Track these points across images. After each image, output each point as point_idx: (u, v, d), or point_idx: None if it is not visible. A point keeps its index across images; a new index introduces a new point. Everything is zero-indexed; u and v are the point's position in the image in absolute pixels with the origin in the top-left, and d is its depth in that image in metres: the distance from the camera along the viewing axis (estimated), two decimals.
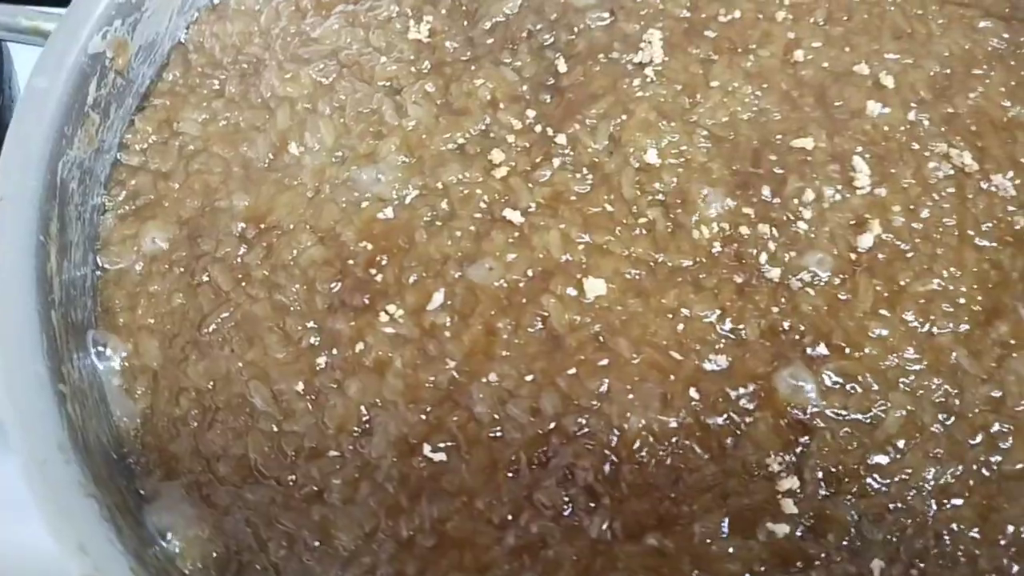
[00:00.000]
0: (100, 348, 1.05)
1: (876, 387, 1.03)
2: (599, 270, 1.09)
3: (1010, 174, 1.17)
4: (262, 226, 1.12)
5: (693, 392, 1.02)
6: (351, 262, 1.10)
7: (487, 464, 0.99)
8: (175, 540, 0.96)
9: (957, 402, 1.03)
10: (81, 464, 0.89)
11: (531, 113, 1.20)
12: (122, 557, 0.86)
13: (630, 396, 1.01)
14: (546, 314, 1.06)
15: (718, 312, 1.07)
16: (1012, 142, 1.20)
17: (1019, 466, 1.00)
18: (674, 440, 1.00)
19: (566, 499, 0.97)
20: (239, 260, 1.10)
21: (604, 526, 0.96)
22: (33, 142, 1.04)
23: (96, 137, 1.14)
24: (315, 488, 0.98)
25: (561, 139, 1.18)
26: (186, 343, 1.06)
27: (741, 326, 1.06)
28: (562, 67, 1.24)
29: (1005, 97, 1.23)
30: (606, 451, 0.99)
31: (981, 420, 1.02)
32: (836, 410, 1.02)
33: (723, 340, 1.06)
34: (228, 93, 1.22)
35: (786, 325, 1.07)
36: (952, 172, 1.17)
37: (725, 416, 1.01)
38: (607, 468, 0.98)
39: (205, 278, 1.10)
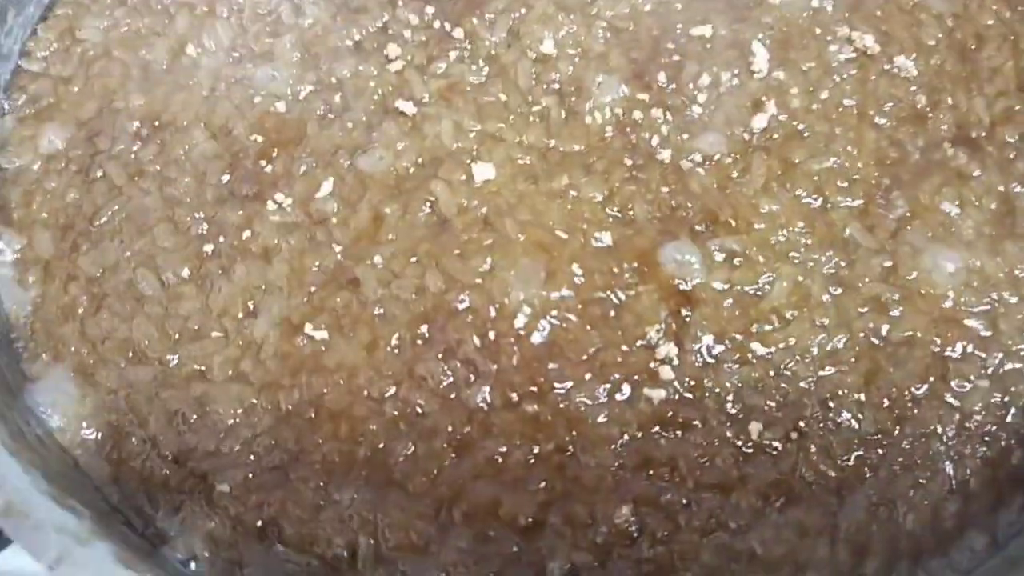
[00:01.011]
0: None
1: (763, 260, 1.02)
2: (490, 156, 1.08)
3: (913, 55, 1.15)
4: (156, 124, 1.12)
5: (576, 268, 1.01)
6: (242, 155, 1.09)
7: (369, 341, 0.99)
8: (55, 416, 0.96)
9: (847, 273, 1.02)
10: None
11: (430, 9, 1.19)
12: None
13: (512, 272, 1.00)
14: (434, 199, 1.05)
15: (606, 193, 1.06)
16: (917, 25, 1.18)
17: (907, 333, 0.98)
18: (554, 313, 0.99)
19: (447, 371, 0.97)
20: (133, 156, 1.10)
21: (480, 398, 0.95)
22: None
23: None
24: (197, 367, 0.98)
25: (458, 33, 1.17)
26: (78, 235, 1.06)
27: (629, 206, 1.05)
28: None
29: None
30: (487, 324, 0.98)
31: (871, 290, 1.00)
32: (721, 282, 1.00)
33: (611, 219, 1.05)
34: (130, 1, 1.22)
35: (674, 204, 1.05)
36: (854, 55, 1.15)
37: (608, 291, 1.00)
38: (488, 340, 0.97)
39: (99, 174, 1.10)
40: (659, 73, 1.13)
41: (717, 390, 0.95)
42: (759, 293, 1.00)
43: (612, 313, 0.99)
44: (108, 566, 0.81)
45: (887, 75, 1.14)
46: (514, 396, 0.95)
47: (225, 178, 1.08)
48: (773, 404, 0.95)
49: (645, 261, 1.01)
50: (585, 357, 0.97)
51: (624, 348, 0.97)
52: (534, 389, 0.96)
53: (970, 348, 0.98)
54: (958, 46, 1.16)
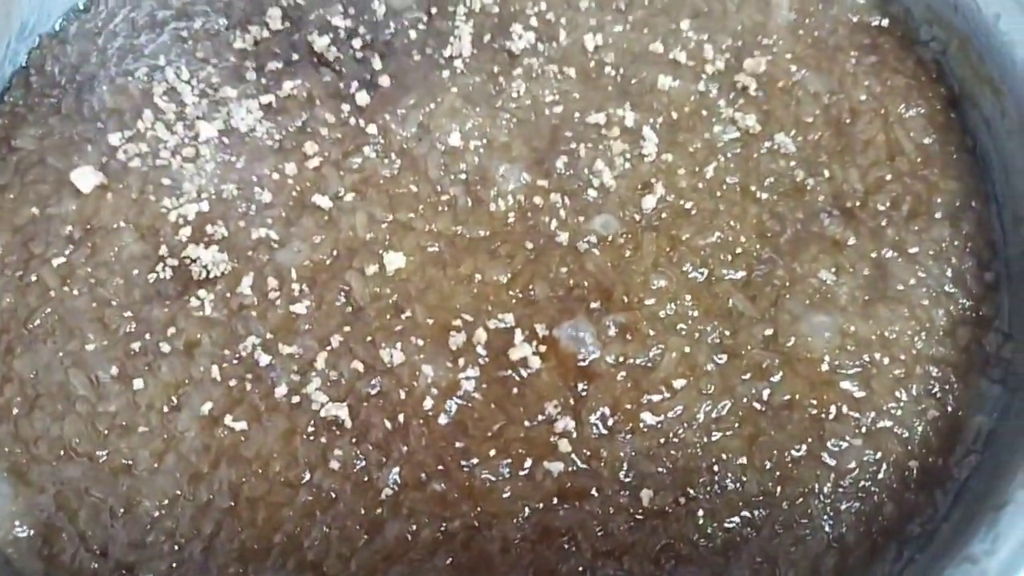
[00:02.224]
0: None
1: (653, 333, 1.07)
2: (401, 245, 1.14)
3: (792, 132, 1.22)
4: (88, 227, 1.16)
5: (480, 349, 1.06)
6: (168, 255, 1.14)
7: (286, 430, 1.03)
8: None
9: (731, 342, 1.08)
10: None
11: (346, 107, 1.25)
12: None
13: (420, 356, 1.05)
14: (348, 288, 1.10)
15: (509, 276, 1.11)
16: (796, 104, 1.25)
17: (786, 397, 1.04)
18: (460, 393, 1.03)
19: (359, 455, 1.01)
20: (65, 260, 1.14)
21: (391, 479, 0.99)
22: None
23: None
24: (124, 461, 1.02)
25: (372, 129, 1.23)
26: (12, 339, 1.10)
27: (531, 287, 1.11)
28: (377, 64, 1.29)
29: (791, 63, 1.28)
30: (398, 407, 1.03)
31: (753, 357, 1.06)
32: (614, 356, 1.06)
33: (513, 300, 1.10)
34: (64, 110, 1.27)
35: (572, 283, 1.11)
36: (737, 135, 1.22)
37: (509, 369, 1.05)
38: (398, 423, 1.02)
39: (34, 278, 1.14)
40: (557, 160, 1.19)
41: (612, 460, 1.00)
42: (649, 365, 1.06)
43: (515, 391, 1.04)
44: None
45: (768, 152, 1.21)
46: (423, 475, 1.00)
47: (152, 277, 1.13)
48: (664, 471, 1.00)
49: (544, 339, 1.07)
50: (490, 434, 1.02)
51: (526, 424, 1.02)
52: (441, 468, 1.00)
53: (845, 409, 1.03)
54: (834, 121, 1.24)
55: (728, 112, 1.24)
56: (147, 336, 1.09)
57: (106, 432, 1.04)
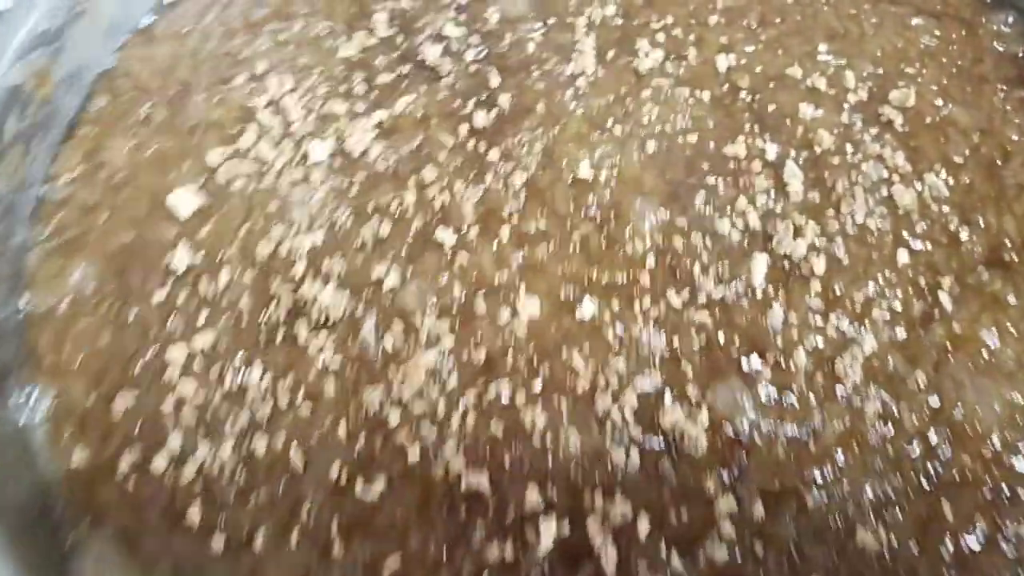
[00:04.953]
0: (24, 393, 0.95)
1: (813, 398, 0.94)
2: (534, 288, 1.00)
3: (943, 173, 1.08)
4: (194, 258, 1.02)
5: (628, 413, 0.93)
6: (280, 292, 0.99)
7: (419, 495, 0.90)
8: None
9: (894, 409, 0.95)
10: None
11: (463, 129, 1.10)
12: None
13: (564, 421, 0.92)
14: (479, 337, 0.97)
15: (651, 327, 0.98)
16: (944, 140, 1.11)
17: (956, 474, 0.92)
18: (609, 468, 0.91)
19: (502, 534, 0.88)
20: (165, 296, 1.00)
21: (543, 556, 0.87)
22: None
23: (18, 173, 1.03)
24: (245, 535, 0.89)
25: (494, 154, 1.08)
26: (112, 383, 0.96)
27: (676, 342, 0.97)
28: (495, 80, 1.13)
29: (937, 96, 1.14)
30: (539, 481, 0.90)
31: (918, 429, 0.94)
32: (772, 424, 0.93)
33: (657, 357, 0.97)
34: (156, 120, 1.11)
35: (721, 338, 0.98)
36: (886, 174, 1.08)
37: (660, 436, 0.92)
38: (539, 498, 0.89)
39: (133, 316, 0.99)
40: (696, 195, 1.05)
41: (776, 543, 0.88)
42: (809, 436, 0.93)
43: (667, 464, 0.91)
44: None
45: (918, 194, 1.07)
46: (573, 558, 0.88)
47: (263, 317, 0.99)
48: (833, 555, 0.88)
49: (696, 403, 0.94)
50: (646, 510, 0.89)
51: (683, 501, 0.90)
52: (587, 552, 0.88)
53: (1021, 492, 0.92)
54: (985, 162, 1.10)
55: (875, 148, 1.10)
56: (261, 385, 0.95)
57: (222, 500, 0.91)
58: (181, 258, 1.01)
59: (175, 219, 1.04)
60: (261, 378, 0.95)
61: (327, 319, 0.98)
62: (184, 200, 1.04)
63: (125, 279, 1.01)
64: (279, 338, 0.97)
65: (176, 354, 0.96)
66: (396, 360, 0.96)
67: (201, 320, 0.99)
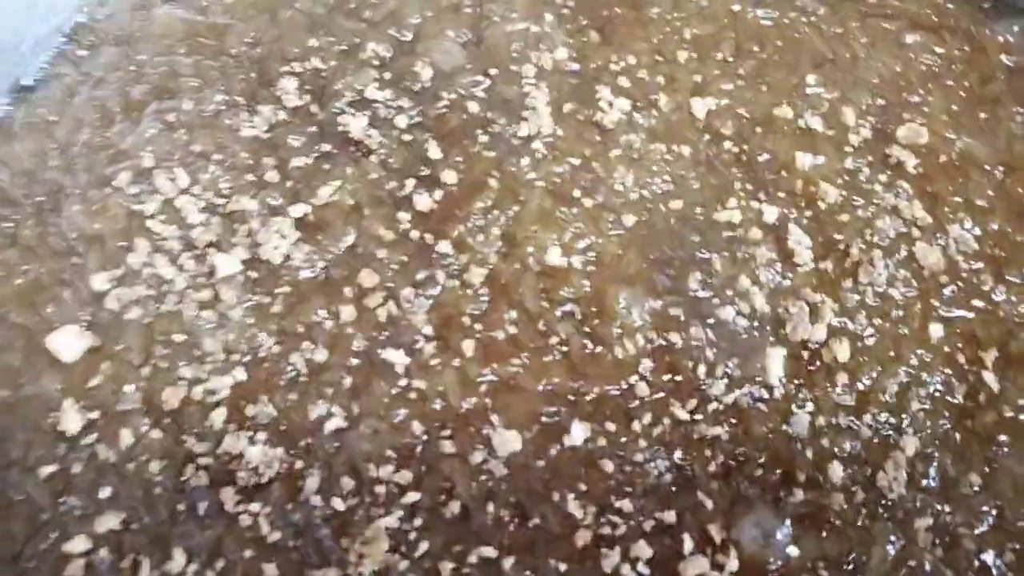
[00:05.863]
0: None
1: (856, 523, 0.79)
2: (509, 415, 0.83)
3: (967, 222, 0.94)
4: (87, 416, 0.82)
5: (642, 567, 0.77)
6: (198, 451, 0.81)
7: None
8: None
9: (948, 520, 0.81)
10: None
11: (404, 217, 0.92)
12: None
13: None
14: (450, 486, 0.80)
15: (656, 450, 0.82)
16: (964, 180, 0.97)
17: None
18: None
19: None
20: (57, 468, 0.80)
21: None
22: None
23: None
24: None
25: (444, 246, 0.90)
26: None
27: (687, 465, 0.81)
28: (434, 152, 0.95)
29: (948, 127, 1.00)
30: None
31: (976, 543, 0.80)
32: (812, 557, 0.78)
33: (669, 487, 0.81)
34: (23, 239, 0.91)
35: (740, 455, 0.82)
36: (904, 229, 0.93)
37: None
38: None
39: (19, 497, 0.79)
40: (689, 277, 0.90)
41: None
42: (852, 566, 0.79)
43: None
44: None
45: (944, 251, 0.93)
46: None
47: (178, 484, 0.80)
48: None
49: (721, 544, 0.78)
50: None
51: None
52: None
53: None
54: (1015, 204, 0.96)
55: (888, 198, 0.95)
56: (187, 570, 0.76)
57: None
58: (71, 417, 0.82)
59: (59, 366, 0.84)
60: (184, 569, 0.77)
61: (259, 481, 0.79)
62: (67, 342, 0.85)
63: (4, 450, 0.81)
64: (201, 510, 0.79)
65: (77, 545, 0.77)
66: (349, 528, 0.78)
67: (104, 493, 0.79)
